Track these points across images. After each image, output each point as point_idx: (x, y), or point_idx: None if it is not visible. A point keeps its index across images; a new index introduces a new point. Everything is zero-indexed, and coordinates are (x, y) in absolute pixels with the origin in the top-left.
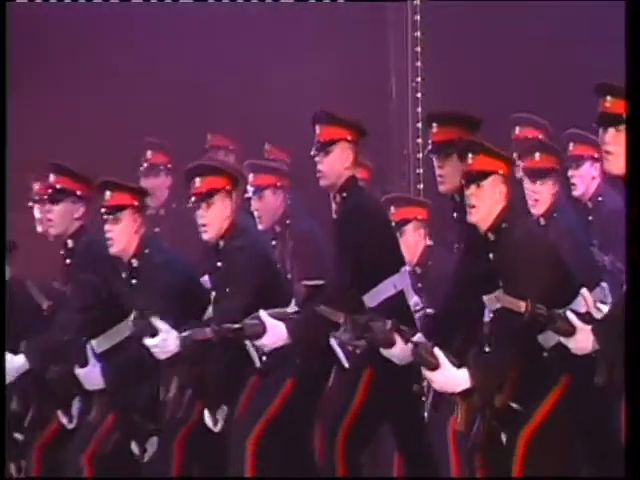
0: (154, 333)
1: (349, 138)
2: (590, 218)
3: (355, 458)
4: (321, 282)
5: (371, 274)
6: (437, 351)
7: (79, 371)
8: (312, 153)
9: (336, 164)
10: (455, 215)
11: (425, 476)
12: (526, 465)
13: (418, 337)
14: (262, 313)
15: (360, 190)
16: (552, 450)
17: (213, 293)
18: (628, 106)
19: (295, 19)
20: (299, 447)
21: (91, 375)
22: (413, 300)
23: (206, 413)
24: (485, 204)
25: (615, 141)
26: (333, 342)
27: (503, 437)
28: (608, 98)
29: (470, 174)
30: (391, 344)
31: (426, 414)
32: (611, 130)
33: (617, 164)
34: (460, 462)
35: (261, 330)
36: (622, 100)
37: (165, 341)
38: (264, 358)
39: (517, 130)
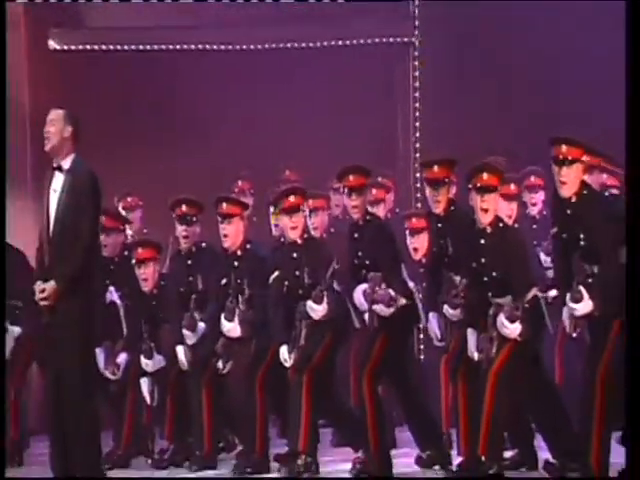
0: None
1: (367, 183)
2: (535, 227)
3: (375, 389)
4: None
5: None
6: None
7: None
8: (347, 194)
9: (365, 201)
10: (440, 225)
11: (417, 404)
12: (498, 386)
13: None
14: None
15: (376, 216)
16: (514, 379)
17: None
18: (628, 109)
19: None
20: (338, 380)
21: (235, 328)
22: (411, 284)
23: (284, 350)
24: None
25: (567, 175)
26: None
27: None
28: (564, 146)
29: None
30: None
31: (422, 356)
32: (564, 168)
33: (569, 190)
34: (448, 388)
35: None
36: (572, 147)
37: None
38: (308, 321)
39: None
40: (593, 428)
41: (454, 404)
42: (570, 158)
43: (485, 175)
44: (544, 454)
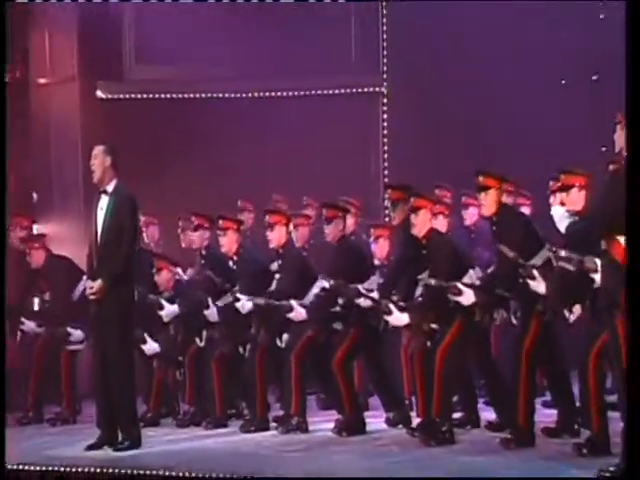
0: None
1: (340, 215)
2: (472, 236)
3: (349, 368)
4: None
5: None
6: (391, 305)
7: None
8: (325, 223)
9: (335, 229)
10: (400, 235)
11: (387, 382)
12: (445, 362)
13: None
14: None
15: (349, 239)
16: (458, 356)
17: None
18: (627, 109)
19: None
20: (324, 360)
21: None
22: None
23: (279, 339)
24: (421, 224)
25: (485, 199)
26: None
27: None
28: (480, 177)
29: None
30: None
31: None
32: (482, 193)
33: (488, 210)
34: (408, 366)
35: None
36: (487, 177)
37: (244, 305)
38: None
39: (437, 191)
40: (520, 393)
41: (413, 377)
42: (486, 185)
43: (412, 199)
44: (485, 415)
